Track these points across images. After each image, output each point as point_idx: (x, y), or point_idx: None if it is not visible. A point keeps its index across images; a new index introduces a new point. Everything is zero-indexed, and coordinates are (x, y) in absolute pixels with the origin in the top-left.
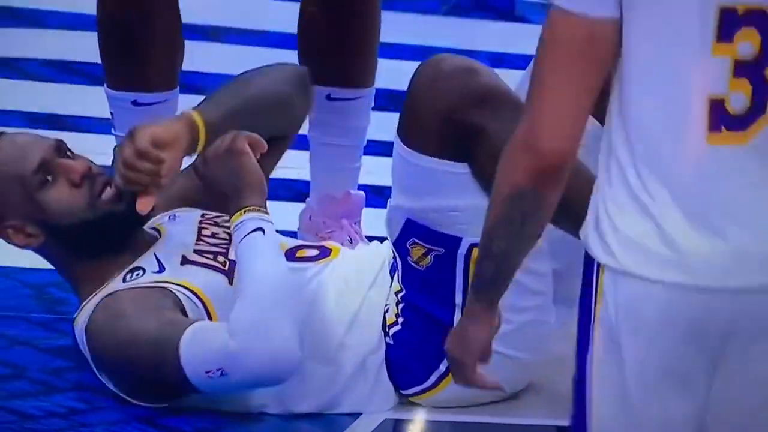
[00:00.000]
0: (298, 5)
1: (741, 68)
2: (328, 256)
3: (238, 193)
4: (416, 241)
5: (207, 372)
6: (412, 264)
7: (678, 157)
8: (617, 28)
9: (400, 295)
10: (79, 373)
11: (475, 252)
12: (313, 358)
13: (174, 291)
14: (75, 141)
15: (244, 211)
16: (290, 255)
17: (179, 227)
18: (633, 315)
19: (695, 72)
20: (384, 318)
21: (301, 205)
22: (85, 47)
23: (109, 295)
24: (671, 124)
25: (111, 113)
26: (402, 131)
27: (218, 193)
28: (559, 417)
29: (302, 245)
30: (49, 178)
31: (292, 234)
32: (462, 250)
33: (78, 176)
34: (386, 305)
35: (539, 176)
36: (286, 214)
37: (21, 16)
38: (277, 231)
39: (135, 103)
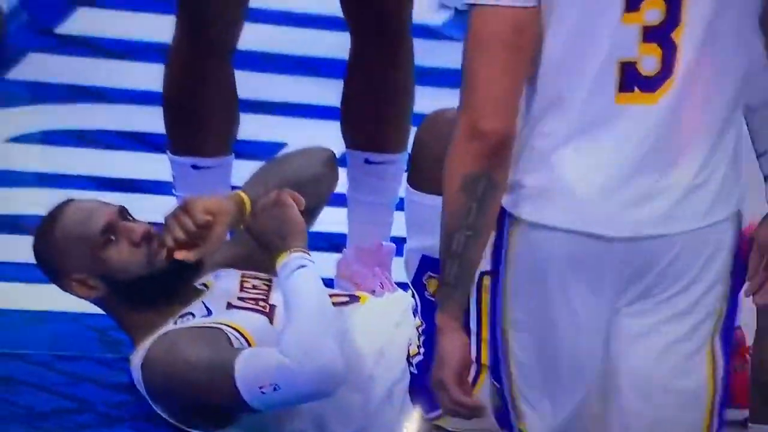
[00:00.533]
0: (341, 85)
1: (650, 33)
2: (357, 302)
3: (284, 237)
4: (431, 274)
5: (261, 388)
6: (429, 297)
7: (587, 115)
8: (538, 14)
9: (420, 328)
10: (138, 406)
11: (486, 280)
12: (346, 386)
13: (221, 329)
14: (141, 202)
15: (290, 252)
16: None
17: (224, 281)
18: (538, 258)
19: (607, 38)
20: (408, 351)
21: (338, 256)
22: (151, 119)
23: (163, 334)
24: (583, 85)
25: (173, 176)
26: (411, 178)
27: (266, 242)
28: None
29: (335, 293)
30: (113, 237)
31: (329, 282)
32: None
33: (138, 237)
34: (409, 340)
35: (488, 159)
36: (324, 263)
37: (93, 92)
38: None
39: (194, 167)
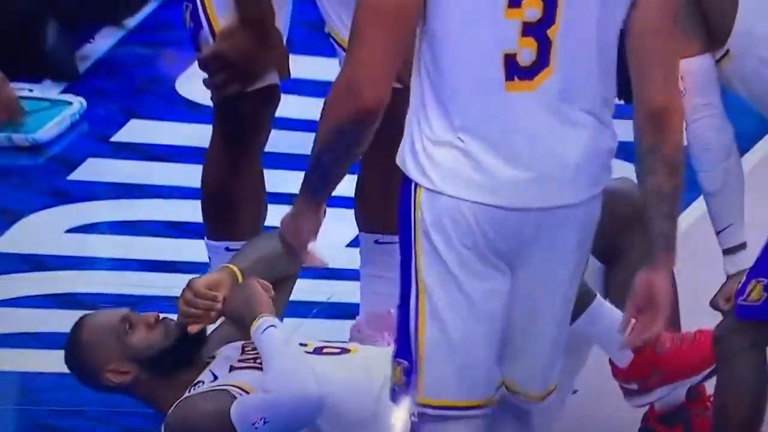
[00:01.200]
0: (353, 179)
1: (528, 29)
2: (348, 353)
3: (253, 309)
4: None
5: (253, 424)
6: None
7: (482, 101)
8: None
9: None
10: None
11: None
12: (351, 425)
13: (225, 389)
14: (181, 281)
15: (259, 318)
16: (317, 351)
17: (227, 350)
18: (447, 226)
19: (492, 32)
20: None
21: (351, 322)
22: (190, 211)
23: (179, 402)
24: (476, 75)
25: (209, 257)
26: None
27: (240, 317)
28: None
29: (327, 345)
30: (130, 327)
31: None
32: None
33: (152, 319)
34: None
35: (359, 117)
36: (339, 329)
37: (140, 189)
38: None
39: (227, 249)
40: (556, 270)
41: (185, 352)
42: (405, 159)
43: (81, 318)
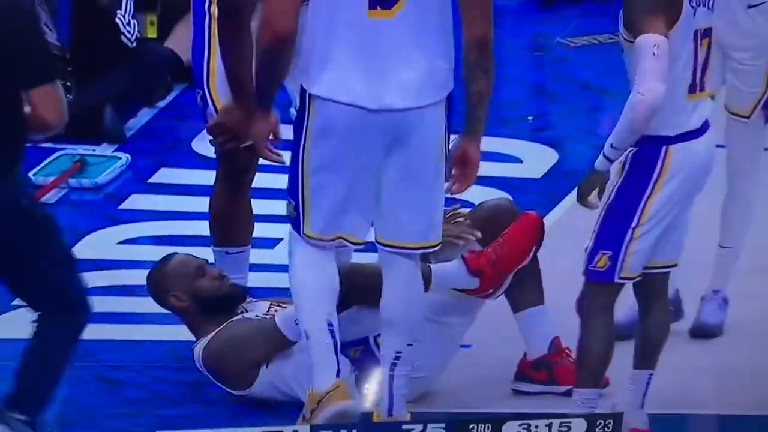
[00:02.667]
0: None
1: None
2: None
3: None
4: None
5: (295, 321)
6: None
7: (351, 26)
8: None
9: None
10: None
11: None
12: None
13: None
14: None
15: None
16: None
17: (255, 306)
18: (330, 124)
19: None
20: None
21: None
22: (202, 229)
23: (221, 328)
24: (343, 6)
25: (215, 259)
26: None
27: None
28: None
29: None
30: (202, 274)
31: None
32: None
33: (217, 274)
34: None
35: (276, 45)
36: None
37: (170, 215)
38: None
39: (227, 253)
40: (422, 152)
41: (228, 303)
42: (300, 73)
43: (171, 254)
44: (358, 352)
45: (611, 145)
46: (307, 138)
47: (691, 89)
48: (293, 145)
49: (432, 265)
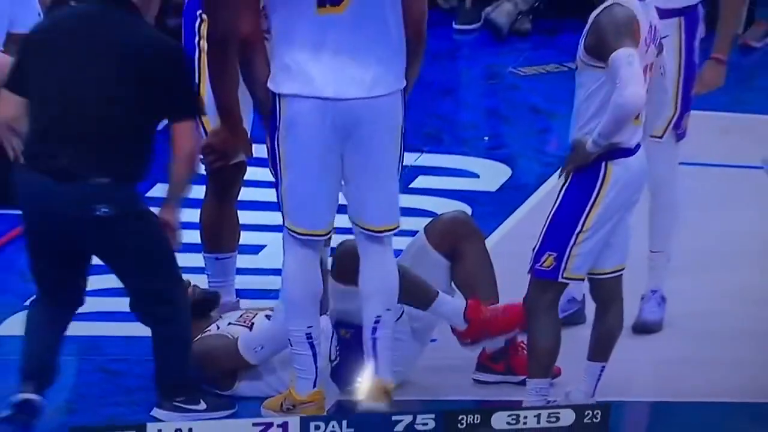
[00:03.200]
0: None
1: None
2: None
3: None
4: (345, 329)
5: (254, 349)
6: (343, 337)
7: (303, 25)
8: None
9: (336, 347)
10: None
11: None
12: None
13: (224, 333)
14: (199, 280)
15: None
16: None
17: (229, 315)
18: (295, 117)
19: None
20: (330, 354)
21: None
22: (195, 237)
23: (197, 339)
24: (294, 5)
25: (205, 265)
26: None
27: None
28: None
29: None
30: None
31: None
32: None
33: (187, 284)
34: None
35: (220, 43)
36: None
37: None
38: None
39: (216, 258)
40: (378, 141)
41: (201, 308)
42: (270, 78)
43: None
44: (349, 334)
45: (599, 134)
46: (280, 136)
47: (638, 116)
48: (270, 145)
49: (440, 295)
